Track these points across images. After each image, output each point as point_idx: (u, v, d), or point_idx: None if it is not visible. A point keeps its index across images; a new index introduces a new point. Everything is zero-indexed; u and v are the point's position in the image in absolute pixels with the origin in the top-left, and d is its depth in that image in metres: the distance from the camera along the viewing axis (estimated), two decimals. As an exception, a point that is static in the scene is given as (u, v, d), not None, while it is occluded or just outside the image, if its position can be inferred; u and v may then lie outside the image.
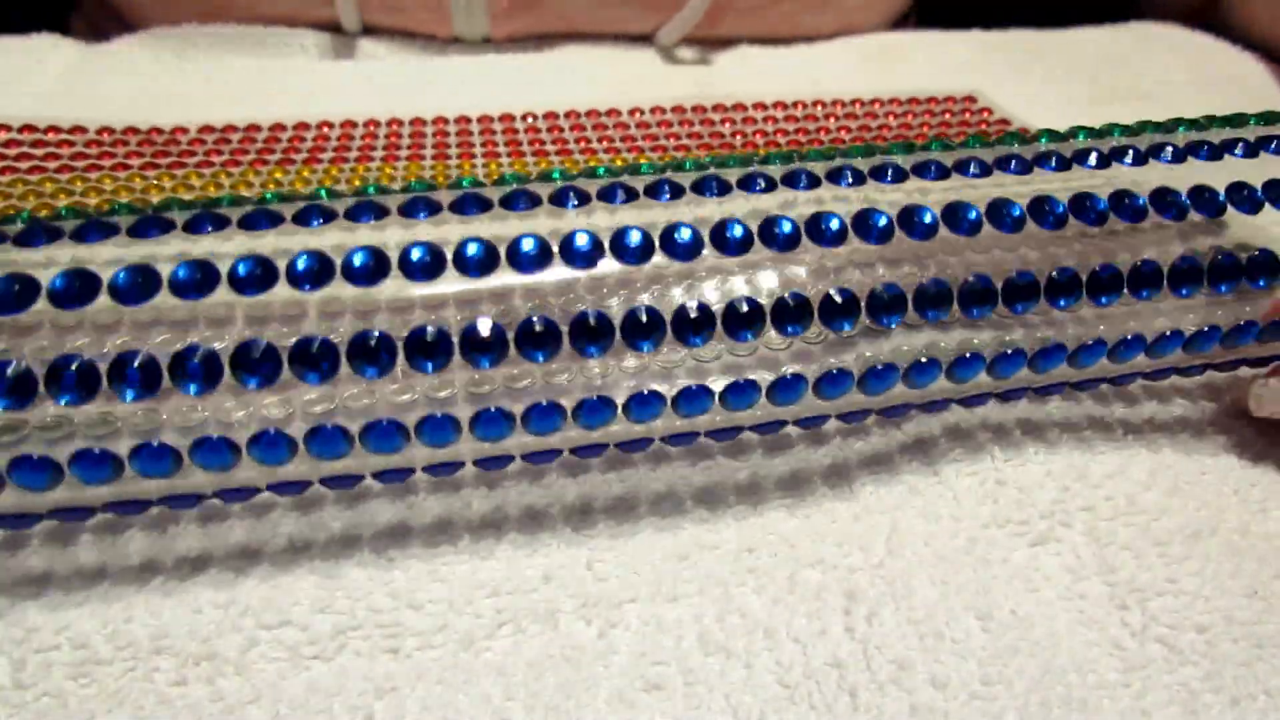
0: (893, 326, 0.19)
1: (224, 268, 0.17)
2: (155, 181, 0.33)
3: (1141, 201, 0.19)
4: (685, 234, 0.18)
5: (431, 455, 0.19)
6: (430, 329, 0.17)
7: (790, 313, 0.18)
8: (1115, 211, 0.19)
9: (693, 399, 0.19)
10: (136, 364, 0.16)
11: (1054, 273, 0.19)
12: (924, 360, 0.19)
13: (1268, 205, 0.20)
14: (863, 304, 0.18)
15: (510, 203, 0.18)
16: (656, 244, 0.18)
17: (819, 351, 0.21)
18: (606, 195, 0.19)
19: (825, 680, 0.17)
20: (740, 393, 0.19)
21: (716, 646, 0.17)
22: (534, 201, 0.19)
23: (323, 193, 0.19)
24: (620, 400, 0.19)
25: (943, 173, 0.20)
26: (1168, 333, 0.20)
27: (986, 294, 0.19)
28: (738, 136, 0.39)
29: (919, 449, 0.22)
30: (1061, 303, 0.19)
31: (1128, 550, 0.19)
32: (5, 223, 0.18)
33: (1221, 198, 0.20)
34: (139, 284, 0.16)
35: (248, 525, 0.20)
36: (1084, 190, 0.20)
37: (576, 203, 0.19)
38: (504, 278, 0.18)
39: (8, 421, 0.17)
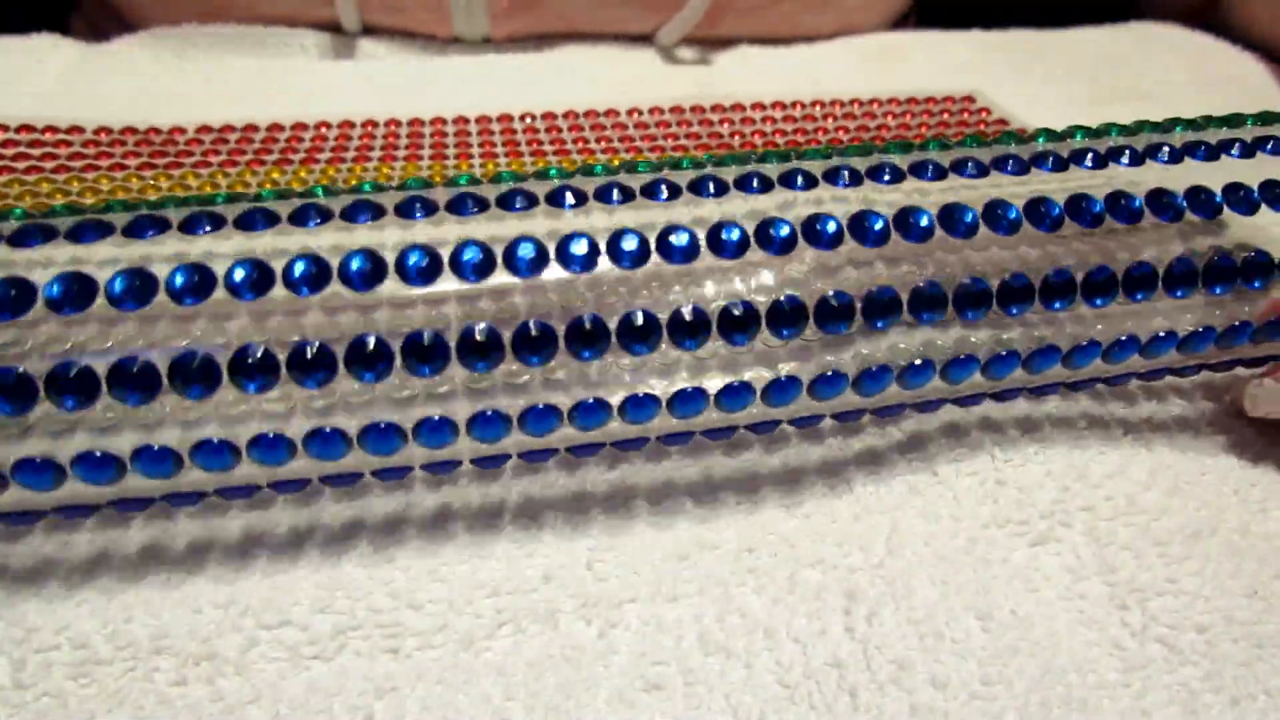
0: (887, 330, 0.19)
1: (221, 269, 0.17)
2: (152, 182, 0.33)
3: (1138, 204, 0.19)
4: (682, 239, 0.18)
5: (429, 455, 0.19)
6: (427, 333, 0.17)
7: (786, 316, 0.18)
8: (1112, 213, 0.19)
9: (688, 401, 0.19)
10: (135, 369, 0.16)
11: (1050, 274, 0.19)
12: (918, 362, 0.20)
13: (1265, 206, 0.20)
14: (858, 308, 0.18)
15: (507, 202, 0.18)
16: (653, 248, 0.18)
17: (815, 348, 0.21)
18: (603, 195, 0.19)
19: (825, 680, 0.17)
20: (735, 395, 0.19)
21: (716, 646, 0.17)
22: (531, 201, 0.19)
23: (319, 191, 0.19)
24: (615, 402, 0.19)
25: (940, 173, 0.20)
26: (1162, 334, 0.20)
27: (981, 297, 0.19)
28: (736, 137, 0.39)
29: (919, 449, 0.22)
30: (1057, 305, 0.19)
31: (1128, 550, 0.19)
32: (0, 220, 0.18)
33: (1219, 199, 0.20)
34: (135, 289, 0.16)
35: (248, 526, 0.20)
36: (1081, 191, 0.20)
37: (573, 203, 0.19)
38: (501, 277, 0.18)
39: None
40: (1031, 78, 0.49)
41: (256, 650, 0.17)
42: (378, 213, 0.18)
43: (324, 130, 0.39)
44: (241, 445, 0.18)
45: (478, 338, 0.17)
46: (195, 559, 0.19)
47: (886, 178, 0.20)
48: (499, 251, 0.17)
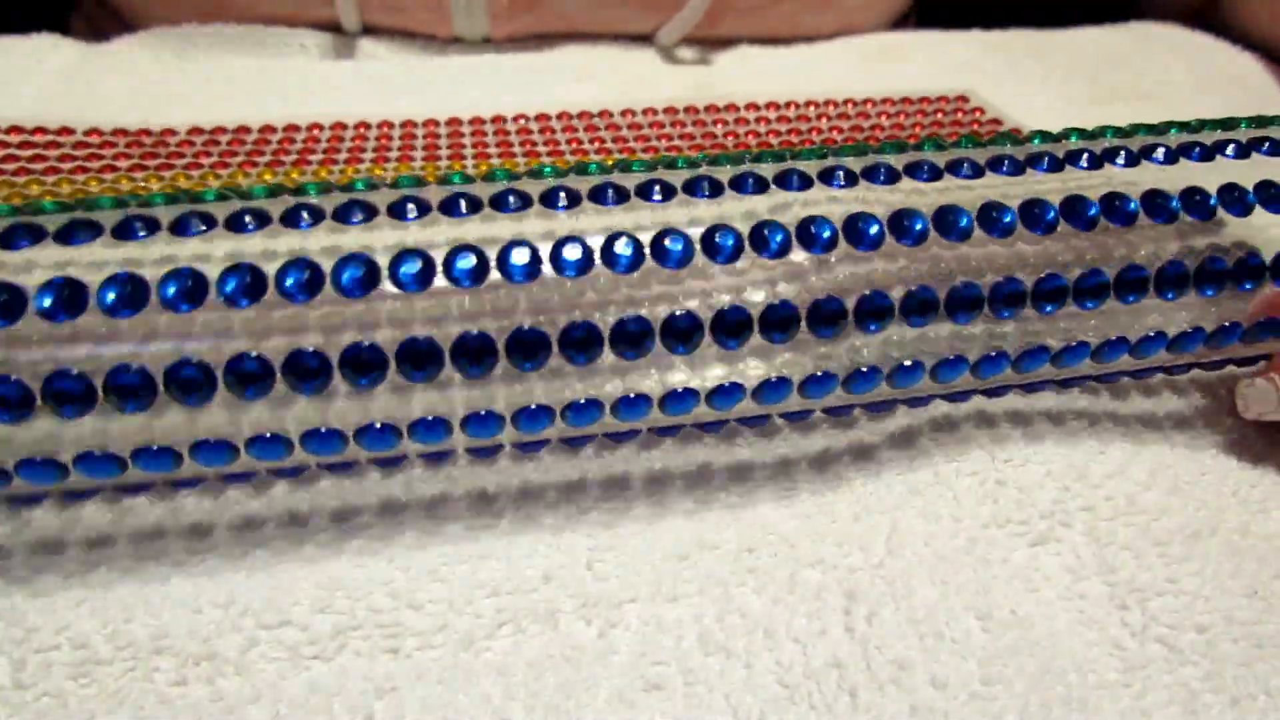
0: (879, 333, 0.19)
1: (214, 274, 0.16)
2: (142, 183, 0.33)
3: (1133, 206, 0.19)
4: (677, 246, 0.18)
5: (424, 446, 0.19)
6: (422, 339, 0.17)
7: (779, 322, 0.18)
8: (1107, 215, 0.19)
9: (679, 401, 0.19)
10: (132, 374, 0.16)
11: (1042, 278, 0.19)
12: (908, 363, 0.20)
13: (1259, 208, 0.20)
14: (850, 312, 0.18)
15: (500, 203, 0.18)
16: (648, 253, 0.18)
17: (810, 343, 0.21)
18: (597, 196, 0.19)
19: (825, 680, 0.17)
20: (727, 395, 0.19)
21: (716, 646, 0.17)
22: (524, 202, 0.18)
23: (311, 189, 0.19)
24: (608, 403, 0.19)
25: (935, 174, 0.20)
26: (1152, 334, 0.20)
27: (974, 301, 0.19)
28: (729, 137, 0.39)
29: (919, 449, 0.22)
30: (1048, 309, 0.19)
31: (1128, 550, 0.19)
32: None
33: (1213, 200, 0.20)
34: (127, 297, 0.16)
35: (248, 526, 0.20)
36: (1076, 193, 0.20)
37: (567, 204, 0.19)
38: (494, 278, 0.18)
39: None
40: (1031, 78, 0.49)
41: (256, 650, 0.17)
42: (370, 213, 0.18)
43: (316, 132, 0.39)
44: (240, 444, 0.18)
45: (472, 345, 0.17)
46: (196, 559, 0.19)
47: (881, 178, 0.20)
48: (493, 250, 0.17)
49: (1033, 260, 0.20)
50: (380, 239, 0.18)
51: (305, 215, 0.18)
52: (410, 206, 0.18)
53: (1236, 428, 0.23)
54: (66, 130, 0.37)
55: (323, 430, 0.18)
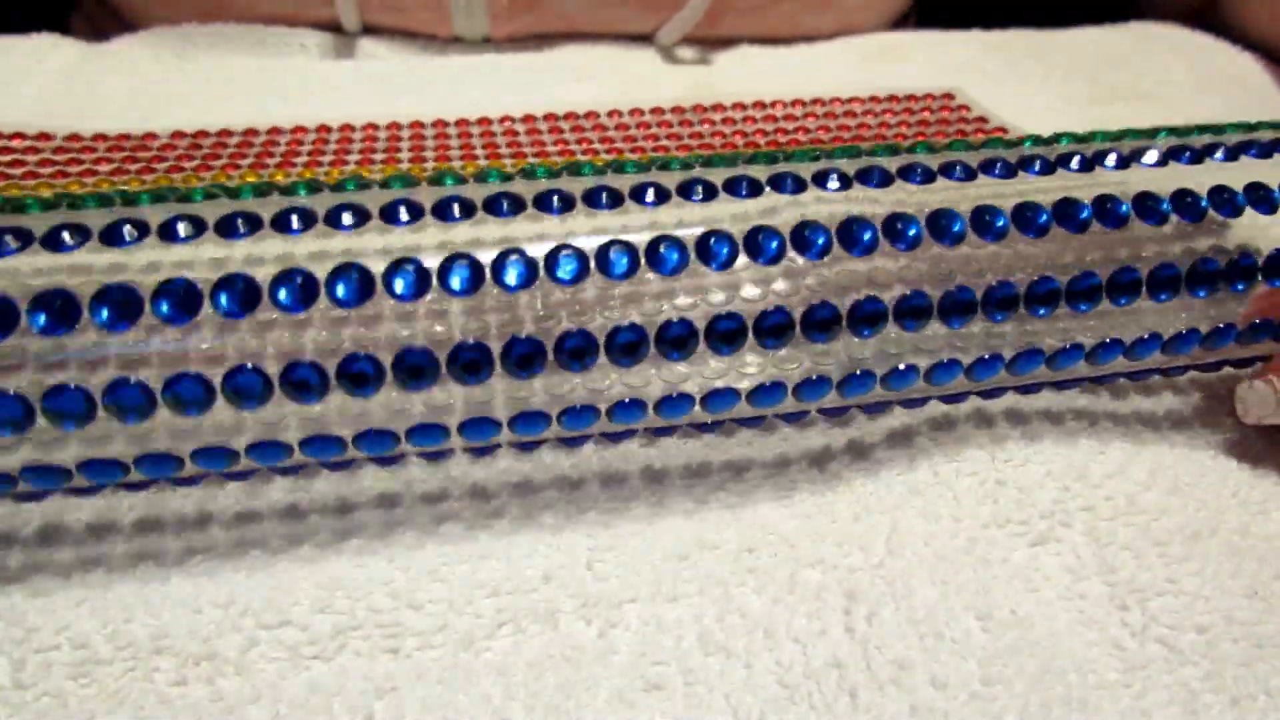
0: (871, 337, 0.19)
1: (208, 287, 0.16)
2: (125, 188, 0.33)
3: (1125, 209, 0.20)
4: (673, 254, 0.18)
5: (421, 448, 0.19)
6: (418, 347, 0.17)
7: (774, 329, 0.18)
8: (1099, 218, 0.19)
9: (674, 405, 0.19)
10: (131, 388, 0.16)
11: (1034, 282, 0.19)
12: (902, 367, 0.20)
13: (1249, 209, 0.20)
14: (844, 317, 0.18)
15: (494, 207, 0.18)
16: (643, 260, 0.18)
17: (806, 345, 0.21)
18: (591, 199, 0.19)
19: (825, 680, 0.17)
20: (721, 398, 0.19)
21: (716, 646, 0.17)
22: (518, 206, 0.18)
23: (301, 190, 0.19)
24: (604, 407, 0.19)
25: (928, 176, 0.20)
26: (1146, 336, 0.20)
27: (968, 306, 0.19)
28: (717, 137, 0.39)
29: (918, 449, 0.22)
30: (1041, 311, 0.19)
31: (1128, 550, 0.19)
32: None
33: (1205, 203, 0.20)
34: (123, 311, 0.16)
35: (248, 526, 0.20)
36: (1068, 196, 0.20)
37: (561, 207, 0.18)
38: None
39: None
40: (1031, 78, 0.49)
41: (256, 650, 0.17)
42: (362, 217, 0.18)
43: (300, 135, 0.39)
44: (240, 448, 0.18)
45: (468, 355, 0.17)
46: (195, 559, 0.19)
47: (875, 182, 0.20)
48: (488, 255, 0.17)
49: (1031, 260, 0.20)
50: (370, 243, 0.18)
51: (295, 220, 0.18)
52: (402, 210, 0.18)
53: (1236, 427, 0.23)
54: (45, 135, 0.37)
55: (321, 436, 0.18)
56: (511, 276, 0.17)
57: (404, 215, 0.18)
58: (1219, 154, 0.21)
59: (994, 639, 0.18)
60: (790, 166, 0.20)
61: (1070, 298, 0.19)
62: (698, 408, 0.19)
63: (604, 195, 0.19)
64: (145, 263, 0.17)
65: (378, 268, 0.17)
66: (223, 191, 0.19)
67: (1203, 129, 0.23)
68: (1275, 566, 0.19)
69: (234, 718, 0.16)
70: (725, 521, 0.20)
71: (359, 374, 0.17)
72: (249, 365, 0.16)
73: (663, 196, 0.19)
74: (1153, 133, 0.22)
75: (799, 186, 0.19)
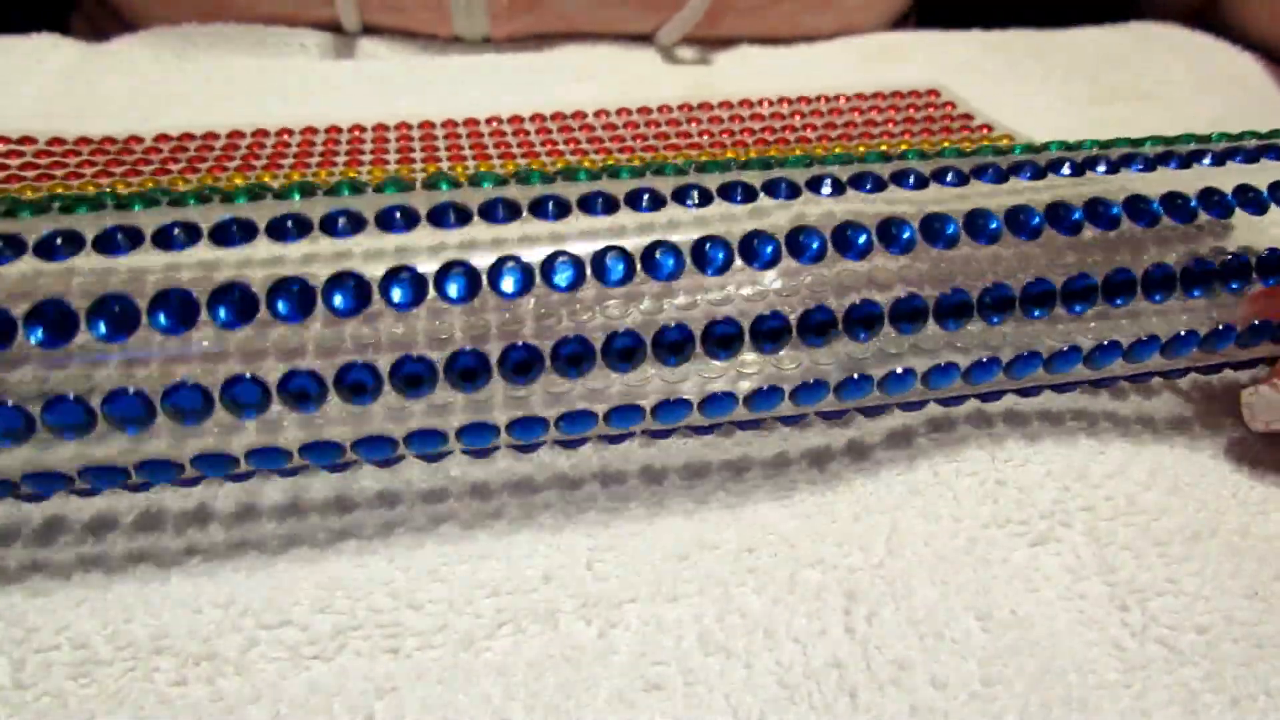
0: (868, 341, 0.19)
1: (204, 294, 0.16)
2: (109, 191, 0.33)
3: (1116, 210, 0.20)
4: (669, 260, 0.18)
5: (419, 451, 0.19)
6: (415, 355, 0.17)
7: (770, 333, 0.18)
8: (1091, 220, 0.19)
9: (671, 410, 0.19)
10: (131, 398, 0.16)
11: (1029, 283, 0.19)
12: (899, 370, 0.20)
13: (1239, 210, 0.20)
14: (840, 321, 0.18)
15: (489, 213, 0.18)
16: (639, 266, 0.18)
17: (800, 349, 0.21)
18: (586, 205, 0.19)
19: (825, 680, 0.17)
20: (718, 403, 0.19)
21: (716, 646, 0.17)
22: (513, 212, 0.18)
23: (295, 194, 0.19)
24: (601, 411, 0.19)
25: (921, 182, 0.20)
26: (1144, 338, 0.20)
27: (963, 308, 0.19)
28: (705, 136, 0.39)
29: (918, 449, 0.22)
30: (1036, 313, 0.19)
31: (1128, 550, 0.19)
32: None
33: (1194, 203, 0.20)
34: (119, 322, 0.16)
35: (247, 526, 0.20)
36: (1060, 200, 0.20)
37: (556, 213, 0.19)
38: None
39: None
40: (1031, 78, 0.49)
41: (256, 650, 0.17)
42: (357, 224, 0.18)
43: (286, 137, 0.38)
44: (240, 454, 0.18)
45: (467, 363, 0.17)
46: (195, 559, 0.19)
47: (869, 187, 0.20)
48: (483, 259, 0.17)
49: (1035, 262, 0.20)
50: (365, 245, 0.18)
51: (290, 226, 0.18)
52: (397, 215, 0.18)
53: (1236, 428, 0.23)
54: (29, 139, 0.36)
55: (321, 442, 0.18)
56: (508, 284, 0.17)
57: (399, 224, 0.18)
58: (1206, 160, 0.21)
59: (994, 639, 0.18)
60: (784, 172, 0.20)
61: (1066, 299, 0.19)
62: (695, 413, 0.19)
63: (599, 201, 0.19)
64: (137, 266, 0.17)
65: (375, 273, 0.17)
66: (218, 194, 0.19)
67: (1190, 139, 0.23)
68: (1275, 567, 0.19)
69: (234, 718, 0.16)
70: (725, 521, 0.20)
71: (357, 383, 0.17)
72: (248, 375, 0.16)
73: (658, 202, 0.19)
74: (1140, 142, 0.23)
75: (793, 192, 0.19)
